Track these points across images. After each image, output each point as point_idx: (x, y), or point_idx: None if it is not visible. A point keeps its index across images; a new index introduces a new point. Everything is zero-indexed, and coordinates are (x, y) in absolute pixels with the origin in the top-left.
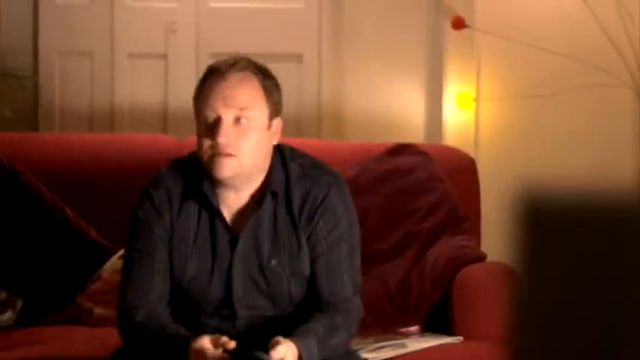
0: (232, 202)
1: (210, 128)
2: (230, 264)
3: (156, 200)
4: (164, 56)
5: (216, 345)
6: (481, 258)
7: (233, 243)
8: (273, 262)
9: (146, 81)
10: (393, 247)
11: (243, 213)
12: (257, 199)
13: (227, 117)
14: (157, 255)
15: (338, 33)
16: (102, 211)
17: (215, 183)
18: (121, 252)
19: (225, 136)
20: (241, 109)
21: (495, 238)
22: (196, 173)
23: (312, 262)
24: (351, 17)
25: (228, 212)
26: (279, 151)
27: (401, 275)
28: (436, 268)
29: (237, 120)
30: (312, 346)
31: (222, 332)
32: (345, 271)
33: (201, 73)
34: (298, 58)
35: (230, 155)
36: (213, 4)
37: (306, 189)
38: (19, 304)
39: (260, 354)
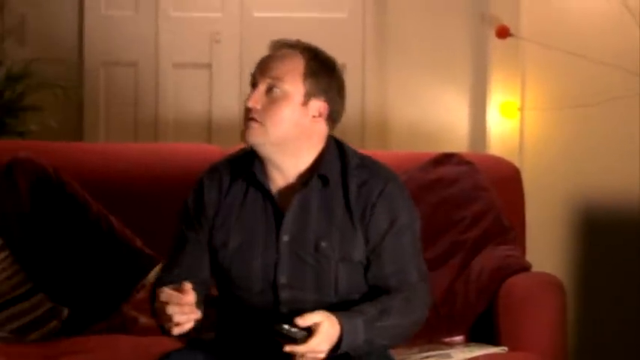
0: (279, 181)
1: (250, 92)
2: (276, 239)
3: (206, 183)
4: (208, 66)
5: (177, 290)
6: (526, 268)
7: (279, 219)
8: (323, 244)
9: (190, 91)
10: (438, 256)
11: (291, 192)
12: (304, 179)
13: (261, 85)
14: (193, 236)
15: (382, 42)
16: (147, 220)
17: (263, 162)
18: None
19: (254, 101)
20: (274, 79)
21: (540, 247)
22: (251, 155)
23: (375, 251)
24: (395, 26)
25: (276, 191)
26: (337, 144)
27: (446, 284)
28: (481, 278)
29: (270, 89)
30: (357, 325)
31: (265, 319)
32: (410, 259)
33: (245, 83)
34: (342, 67)
35: (255, 121)
36: (257, 14)
37: (363, 178)
38: (65, 313)
39: (279, 327)
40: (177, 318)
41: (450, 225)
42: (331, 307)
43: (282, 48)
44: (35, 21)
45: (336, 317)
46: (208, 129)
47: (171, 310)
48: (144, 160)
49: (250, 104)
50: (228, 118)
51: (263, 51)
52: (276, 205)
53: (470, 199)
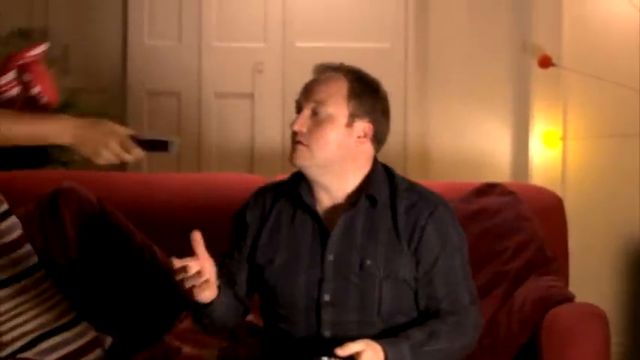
0: (326, 202)
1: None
2: (321, 258)
3: (250, 203)
4: (251, 96)
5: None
6: (569, 298)
7: (324, 238)
8: (368, 262)
9: (233, 121)
10: (481, 286)
11: (337, 212)
12: (352, 200)
13: (306, 108)
14: (231, 254)
15: (424, 72)
16: (190, 250)
17: (310, 183)
18: None
19: (300, 125)
20: (318, 103)
21: (583, 278)
22: (299, 177)
23: (427, 275)
24: (437, 56)
25: (322, 211)
26: (384, 168)
27: (489, 315)
28: (524, 309)
29: (315, 113)
30: (403, 350)
31: (308, 344)
32: (461, 281)
33: (287, 113)
34: None
35: (302, 143)
36: (299, 44)
37: (412, 200)
38: (108, 342)
39: (318, 359)
40: (187, 283)
41: (493, 256)
42: (377, 335)
43: (325, 71)
44: (78, 51)
45: (380, 345)
46: (251, 159)
47: (178, 276)
48: (187, 190)
49: (296, 128)
50: (270, 148)
51: (305, 80)
52: (322, 224)
53: (512, 229)
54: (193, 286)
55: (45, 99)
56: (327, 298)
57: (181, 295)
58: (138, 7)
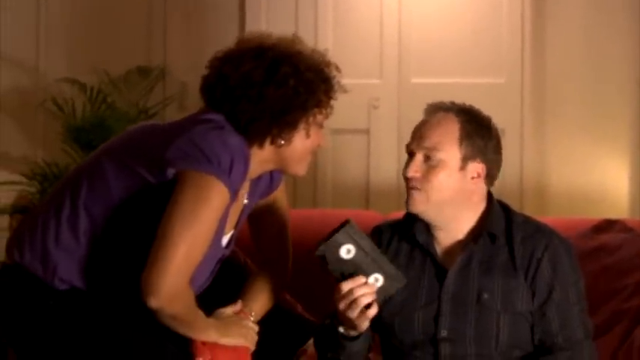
0: (444, 241)
1: (407, 161)
2: (439, 296)
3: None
4: (366, 132)
5: None
6: None
7: (441, 275)
8: (486, 295)
9: (349, 156)
10: (601, 325)
11: (455, 249)
12: (471, 237)
13: (418, 154)
14: None
15: (540, 107)
16: (307, 286)
17: (427, 224)
18: None
19: (413, 171)
20: (430, 149)
21: None
22: (413, 217)
23: (541, 308)
24: (554, 91)
25: (439, 249)
26: (500, 204)
27: (608, 354)
28: None
29: (428, 158)
30: None
31: None
32: (576, 314)
33: (402, 149)
34: (500, 132)
35: (416, 189)
36: (415, 80)
37: (529, 232)
38: None
39: None
40: (368, 299)
41: (613, 293)
42: None
43: (436, 112)
44: (196, 88)
45: None
46: (366, 194)
47: (358, 292)
48: (303, 226)
49: (409, 174)
50: (386, 184)
51: (421, 117)
52: (438, 263)
53: (632, 266)
54: (359, 314)
55: None
56: (444, 333)
57: (298, 331)
58: None
